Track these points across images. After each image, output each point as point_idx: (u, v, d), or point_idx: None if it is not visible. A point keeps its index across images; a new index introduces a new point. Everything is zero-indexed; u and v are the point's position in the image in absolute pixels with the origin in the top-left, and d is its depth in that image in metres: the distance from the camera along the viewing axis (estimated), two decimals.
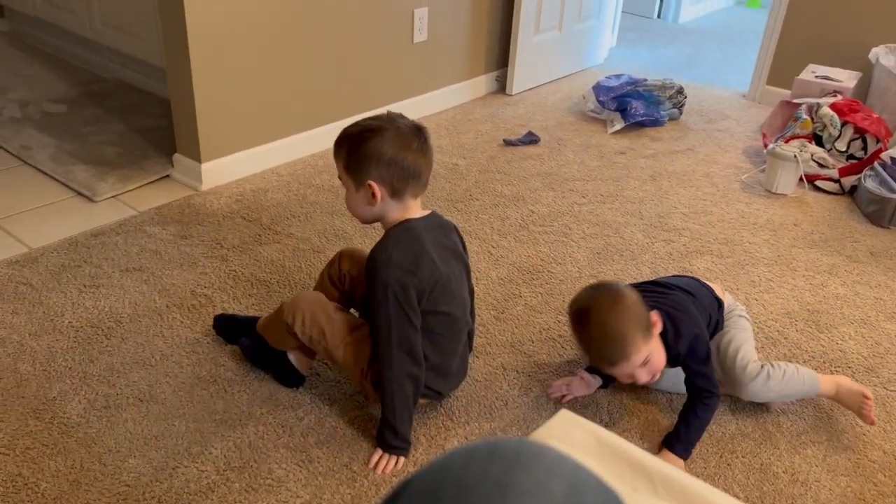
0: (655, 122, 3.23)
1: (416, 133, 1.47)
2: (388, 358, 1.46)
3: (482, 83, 3.50)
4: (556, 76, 3.76)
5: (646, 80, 3.33)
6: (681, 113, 3.35)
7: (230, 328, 1.78)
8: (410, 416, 1.52)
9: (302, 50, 2.60)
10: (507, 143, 3.02)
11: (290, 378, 1.67)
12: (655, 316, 1.51)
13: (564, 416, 0.71)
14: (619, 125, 3.18)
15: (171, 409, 1.60)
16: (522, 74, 3.52)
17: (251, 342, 1.70)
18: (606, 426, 1.62)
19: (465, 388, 1.71)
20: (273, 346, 1.66)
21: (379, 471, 1.49)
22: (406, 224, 1.49)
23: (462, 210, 2.49)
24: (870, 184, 2.58)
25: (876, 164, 2.63)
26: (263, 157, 2.62)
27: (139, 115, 2.92)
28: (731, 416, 1.66)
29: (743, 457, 1.56)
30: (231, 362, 1.73)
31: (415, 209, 1.52)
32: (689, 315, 1.57)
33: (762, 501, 1.46)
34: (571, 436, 0.67)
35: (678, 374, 1.62)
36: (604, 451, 0.65)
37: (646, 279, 2.15)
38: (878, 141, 2.77)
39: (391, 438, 1.50)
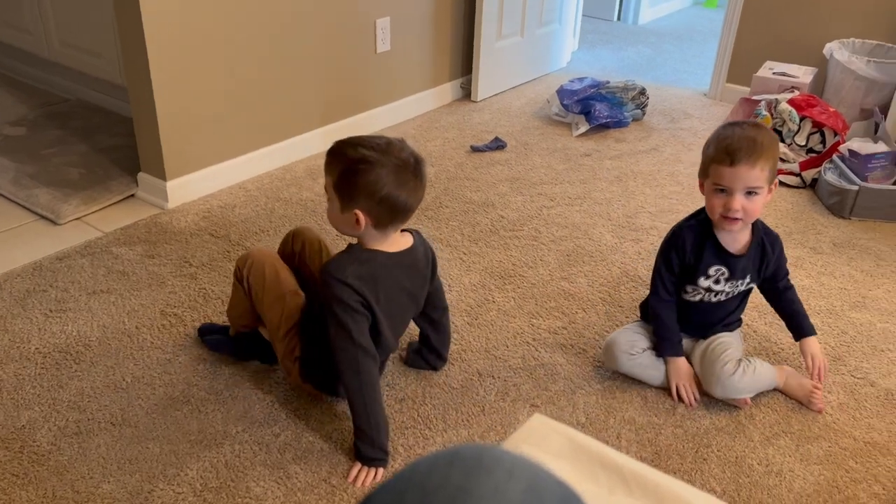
0: (619, 124, 3.27)
1: (415, 169, 1.43)
2: (354, 368, 1.46)
3: (447, 91, 3.51)
4: (521, 81, 3.79)
5: (608, 82, 3.37)
6: (644, 114, 3.39)
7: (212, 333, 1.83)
8: (385, 423, 1.52)
9: (265, 63, 2.59)
10: (475, 149, 3.04)
11: (269, 354, 1.69)
12: (776, 183, 1.62)
13: (538, 421, 0.71)
14: (583, 128, 3.21)
15: (145, 431, 1.58)
16: (487, 81, 3.54)
17: (225, 337, 1.76)
18: (583, 426, 1.63)
19: (441, 395, 1.71)
20: (238, 327, 1.72)
21: (358, 484, 1.48)
22: (369, 256, 1.48)
23: (432, 217, 2.49)
24: (830, 176, 2.64)
25: (835, 156, 2.69)
26: (230, 172, 2.60)
27: (102, 134, 2.88)
28: (705, 411, 1.69)
29: (718, 451, 1.58)
30: (204, 381, 1.72)
31: (392, 241, 1.51)
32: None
33: (738, 494, 1.48)
34: (545, 439, 0.68)
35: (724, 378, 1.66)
36: (578, 453, 0.65)
37: (616, 279, 2.18)
38: (835, 134, 2.83)
39: (368, 450, 1.49)
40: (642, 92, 3.38)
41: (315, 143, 2.91)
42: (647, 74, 3.97)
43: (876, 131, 2.75)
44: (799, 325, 1.75)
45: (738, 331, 1.78)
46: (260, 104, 2.63)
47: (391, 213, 1.45)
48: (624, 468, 0.62)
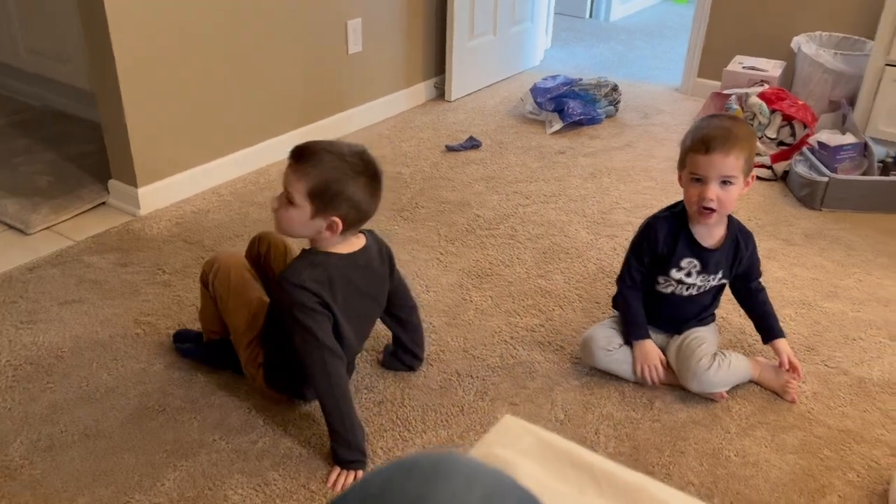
0: (593, 121, 3.28)
1: (377, 178, 1.48)
2: (322, 370, 1.46)
3: (421, 91, 3.51)
4: (494, 80, 3.79)
5: (581, 79, 3.39)
6: (617, 110, 3.41)
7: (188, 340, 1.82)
8: (359, 423, 1.51)
9: (236, 66, 2.57)
10: (450, 148, 3.04)
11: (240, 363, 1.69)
12: (754, 176, 1.63)
13: (508, 422, 0.71)
14: (557, 125, 3.22)
15: (120, 442, 1.56)
16: (460, 80, 3.54)
17: (198, 344, 1.76)
18: (562, 423, 1.64)
19: (419, 397, 1.71)
20: (209, 334, 1.72)
21: (338, 489, 1.47)
22: (324, 259, 1.49)
23: (408, 218, 2.49)
24: (800, 168, 2.67)
25: (804, 149, 2.72)
26: (202, 177, 2.58)
27: (71, 142, 2.84)
28: (682, 405, 1.70)
29: (695, 443, 1.59)
30: (179, 390, 1.70)
31: (348, 243, 1.53)
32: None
33: (716, 486, 1.49)
34: (516, 441, 0.67)
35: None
36: (548, 453, 0.65)
37: (593, 276, 2.19)
38: (805, 126, 2.87)
39: (345, 452, 1.49)
40: (615, 88, 3.40)
41: (289, 146, 2.88)
42: (620, 71, 4.00)
43: (844, 123, 2.79)
44: (769, 328, 1.75)
45: (712, 325, 1.80)
46: (232, 107, 2.61)
47: (359, 219, 1.49)
48: (595, 467, 0.62)
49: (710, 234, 1.67)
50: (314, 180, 1.43)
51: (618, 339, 1.75)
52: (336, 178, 1.43)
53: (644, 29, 4.95)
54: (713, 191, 1.55)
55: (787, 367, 1.71)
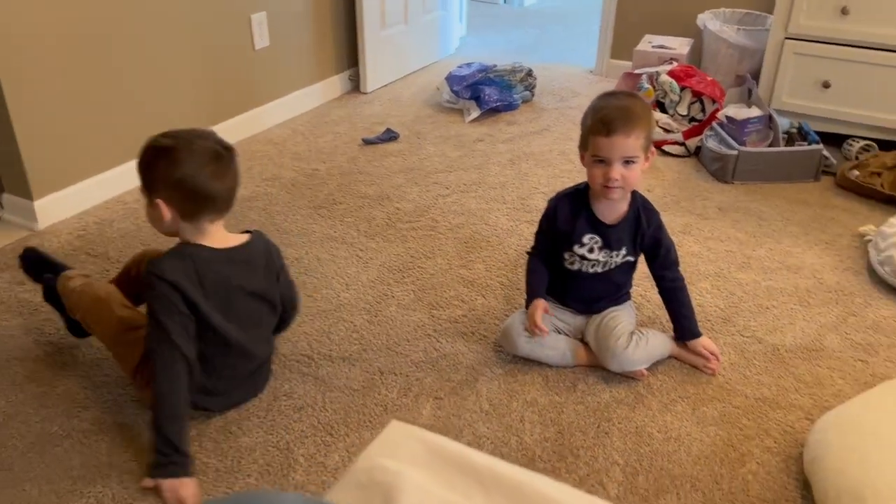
0: (510, 107, 3.28)
1: (216, 156, 1.42)
2: (168, 368, 1.41)
3: (335, 84, 3.44)
4: (410, 70, 3.75)
5: (495, 65, 3.38)
6: (533, 95, 3.42)
7: (38, 266, 1.78)
8: (187, 435, 1.44)
9: (134, 67, 2.45)
10: (367, 142, 2.98)
11: (79, 330, 1.71)
12: (654, 151, 1.64)
13: (394, 428, 0.68)
14: (475, 113, 3.20)
15: (21, 473, 1.46)
16: (375, 71, 3.49)
17: (54, 283, 1.70)
18: (487, 414, 1.62)
19: (341, 399, 1.66)
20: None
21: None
22: (191, 251, 1.45)
23: (326, 216, 2.43)
24: (711, 143, 2.72)
25: (714, 124, 2.78)
26: (105, 185, 2.45)
27: None
28: (605, 385, 1.71)
29: (619, 423, 1.60)
30: (85, 412, 1.61)
31: (215, 236, 1.48)
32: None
33: (640, 464, 1.50)
34: (401, 448, 0.64)
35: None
36: (434, 459, 0.63)
37: (514, 262, 2.18)
38: (713, 102, 2.93)
39: (174, 456, 1.39)
40: (529, 73, 3.40)
41: None
42: (536, 56, 4.01)
43: (750, 97, 2.86)
44: (687, 328, 1.75)
45: (628, 304, 1.81)
46: (131, 111, 2.49)
47: (194, 201, 1.43)
48: (482, 471, 0.60)
49: (612, 210, 1.68)
50: (138, 167, 1.44)
51: None
52: (150, 158, 1.42)
53: (557, 12, 4.98)
54: (617, 171, 1.57)
55: (704, 364, 1.74)
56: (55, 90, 2.23)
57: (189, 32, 2.63)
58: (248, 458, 1.50)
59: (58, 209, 2.32)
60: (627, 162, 1.57)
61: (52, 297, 1.73)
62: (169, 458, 1.39)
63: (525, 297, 1.80)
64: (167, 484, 1.39)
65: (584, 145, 1.62)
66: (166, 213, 1.42)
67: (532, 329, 1.69)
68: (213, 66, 2.76)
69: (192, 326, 1.43)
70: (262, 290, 1.55)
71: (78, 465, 1.49)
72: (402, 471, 0.60)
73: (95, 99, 2.35)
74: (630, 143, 1.54)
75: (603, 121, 1.55)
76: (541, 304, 1.71)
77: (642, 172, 1.63)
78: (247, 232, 1.56)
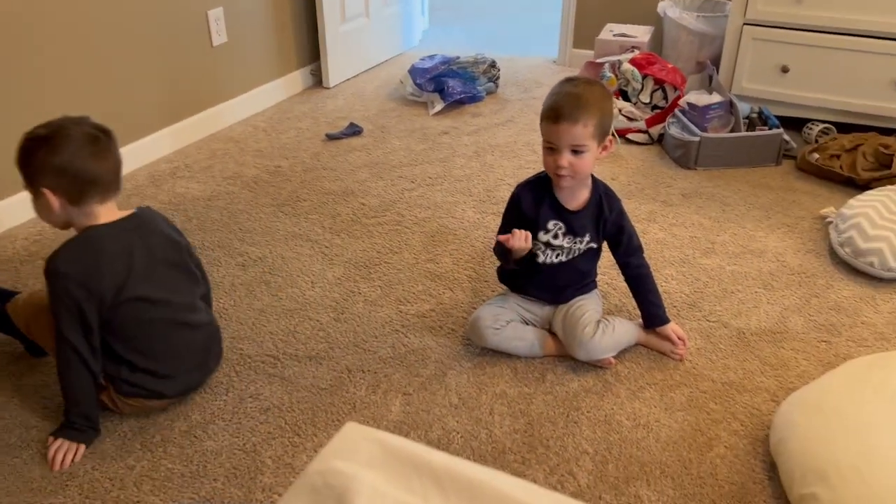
0: (474, 99, 3.27)
1: (93, 139, 1.44)
2: (64, 359, 1.46)
3: (297, 79, 3.40)
4: (373, 64, 3.72)
5: (458, 57, 3.36)
6: (497, 86, 3.41)
7: None
8: (92, 406, 1.51)
9: (88, 66, 2.39)
10: (330, 137, 2.95)
11: (37, 350, 1.71)
12: (611, 140, 1.61)
13: (351, 429, 0.67)
14: (439, 106, 3.19)
15: None
16: (337, 65, 3.45)
17: (3, 309, 1.67)
18: (456, 408, 1.61)
19: (309, 399, 1.64)
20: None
21: (57, 466, 1.45)
22: (86, 232, 1.47)
23: (289, 213, 2.40)
24: (673, 130, 2.74)
25: (676, 111, 2.80)
26: None
27: None
28: (573, 375, 1.71)
29: (588, 412, 1.60)
30: (44, 422, 1.56)
31: (105, 214, 1.49)
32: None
33: (610, 452, 1.50)
34: (357, 450, 0.63)
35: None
36: (390, 460, 0.61)
37: (481, 255, 2.17)
38: (675, 89, 2.95)
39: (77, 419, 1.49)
40: (493, 65, 3.39)
41: (157, 147, 2.74)
42: (498, 47, 4.00)
43: (710, 83, 2.88)
44: (655, 315, 1.75)
45: (594, 292, 1.81)
46: (90, 109, 2.42)
47: (78, 184, 1.43)
48: (438, 469, 0.59)
49: (574, 196, 1.67)
50: (18, 162, 1.44)
51: (505, 317, 1.73)
52: (24, 152, 1.43)
53: (519, 3, 4.97)
54: (565, 159, 1.55)
55: (672, 349, 1.75)
56: (12, 92, 2.16)
57: (143, 30, 2.57)
58: (215, 462, 1.48)
59: (11, 214, 2.26)
60: (576, 150, 1.55)
61: (6, 324, 1.68)
62: (73, 423, 1.49)
63: (501, 265, 1.79)
64: (62, 443, 1.47)
65: (541, 131, 1.62)
66: (54, 201, 1.42)
67: (511, 240, 1.60)
68: (170, 64, 2.71)
69: (92, 316, 1.44)
70: (174, 257, 1.57)
71: (38, 476, 1.45)
72: (356, 473, 0.58)
73: (47, 101, 2.29)
74: (577, 131, 1.52)
75: (552, 107, 1.54)
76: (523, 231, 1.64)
77: (603, 160, 1.62)
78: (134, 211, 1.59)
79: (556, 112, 1.53)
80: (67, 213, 1.45)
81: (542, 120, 1.58)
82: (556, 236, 1.69)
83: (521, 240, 1.60)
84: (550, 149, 1.58)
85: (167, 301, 1.54)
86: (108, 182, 1.47)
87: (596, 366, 1.72)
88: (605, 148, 1.60)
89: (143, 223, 1.54)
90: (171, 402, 1.60)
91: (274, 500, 1.41)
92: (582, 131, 1.53)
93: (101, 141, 1.45)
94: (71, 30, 2.32)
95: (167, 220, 1.62)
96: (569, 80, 1.59)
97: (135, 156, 2.64)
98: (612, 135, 1.63)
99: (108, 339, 1.49)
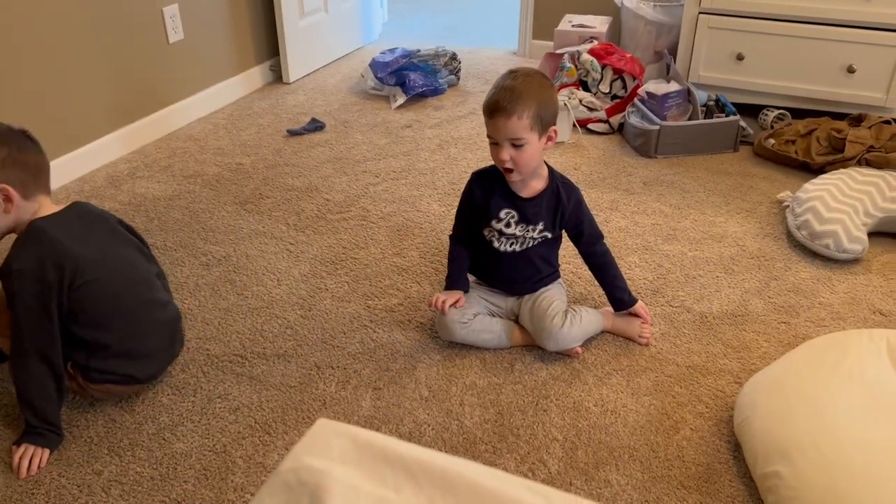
0: (436, 91, 3.27)
1: (23, 133, 1.46)
2: (23, 365, 1.44)
3: (256, 75, 3.36)
4: (333, 58, 3.70)
5: (419, 50, 3.36)
6: (458, 79, 3.41)
7: None
8: (55, 410, 1.49)
9: (37, 64, 2.33)
10: (292, 133, 2.93)
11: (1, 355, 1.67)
12: (556, 130, 1.60)
13: (322, 426, 0.67)
14: (401, 99, 3.18)
15: None
16: (297, 61, 3.42)
17: None
18: (426, 400, 1.62)
19: (278, 397, 1.63)
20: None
21: (23, 473, 1.43)
22: (31, 226, 1.46)
23: (253, 211, 2.38)
24: (633, 119, 2.77)
25: (635, 100, 2.83)
26: None
27: None
28: (541, 364, 1.72)
29: (557, 399, 1.62)
30: (7, 429, 1.53)
31: (46, 207, 1.50)
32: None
33: (579, 438, 1.52)
34: (328, 446, 0.63)
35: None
36: (362, 455, 0.62)
37: (447, 248, 2.17)
38: (634, 78, 2.98)
39: (35, 420, 1.47)
40: (453, 57, 3.40)
41: (115, 147, 2.69)
42: (459, 39, 4.00)
43: (668, 72, 2.92)
44: (623, 299, 1.78)
45: (558, 283, 1.83)
46: (42, 112, 2.37)
47: (30, 173, 1.44)
48: (410, 462, 0.59)
49: (526, 185, 1.68)
50: None
51: (472, 310, 1.74)
52: None
53: None
54: (506, 152, 1.56)
55: (646, 317, 1.79)
56: None
57: (97, 28, 2.51)
58: (185, 464, 1.47)
59: None
60: (515, 144, 1.55)
61: None
62: (35, 428, 1.46)
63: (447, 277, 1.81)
64: (26, 449, 1.45)
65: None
66: (12, 195, 1.41)
67: (435, 304, 1.70)
68: (125, 62, 2.66)
69: (53, 308, 1.42)
70: (119, 235, 1.59)
71: (1, 485, 1.42)
72: (328, 469, 0.58)
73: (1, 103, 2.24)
74: (512, 124, 1.52)
75: (488, 101, 1.56)
76: (456, 295, 1.73)
77: (565, 150, 1.64)
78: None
79: (492, 106, 1.54)
80: (17, 211, 1.44)
81: (484, 114, 1.59)
82: (508, 224, 1.70)
83: (439, 303, 1.69)
84: (494, 143, 1.59)
85: (129, 277, 1.55)
86: (47, 172, 1.49)
87: (564, 355, 1.74)
88: (549, 139, 1.60)
89: (83, 211, 1.55)
90: (140, 387, 1.60)
91: (246, 500, 1.40)
92: (517, 124, 1.52)
93: (28, 134, 1.47)
94: (19, 27, 2.26)
95: (96, 208, 1.63)
96: (509, 73, 1.58)
97: (92, 156, 2.59)
98: (575, 125, 1.64)
99: (75, 328, 1.47)
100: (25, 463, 1.44)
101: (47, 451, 1.47)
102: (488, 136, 1.60)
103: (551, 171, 1.71)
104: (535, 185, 1.69)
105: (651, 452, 1.49)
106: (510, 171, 1.60)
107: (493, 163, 1.65)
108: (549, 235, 1.73)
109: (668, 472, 1.45)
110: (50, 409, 1.47)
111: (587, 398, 1.63)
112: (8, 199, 1.42)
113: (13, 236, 1.48)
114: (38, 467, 1.45)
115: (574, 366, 1.72)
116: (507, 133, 1.54)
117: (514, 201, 1.68)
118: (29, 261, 1.41)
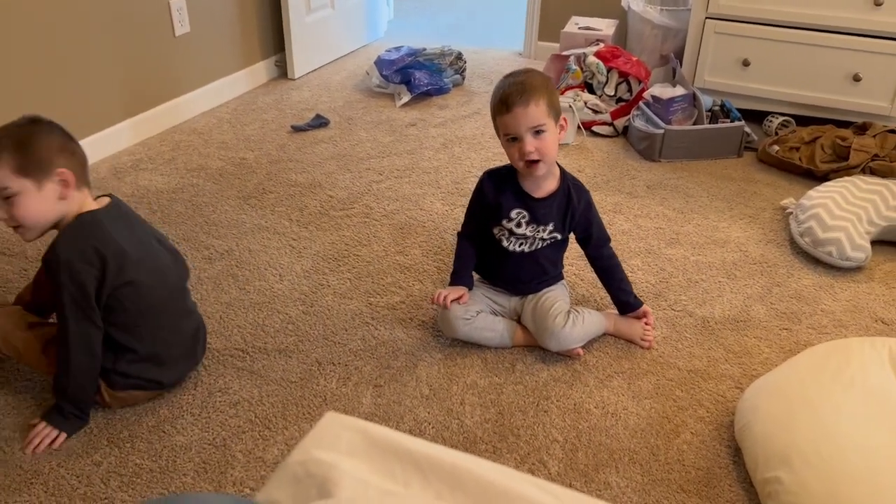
0: (441, 90, 3.27)
1: (61, 126, 1.46)
2: (65, 354, 1.44)
3: (262, 70, 3.35)
4: (338, 55, 3.69)
5: (425, 49, 3.36)
6: (463, 78, 3.41)
7: None
8: (91, 395, 1.51)
9: (45, 56, 2.33)
10: (296, 129, 2.92)
11: None
12: (566, 119, 1.64)
13: (330, 419, 0.67)
14: (406, 97, 3.18)
15: None
16: (302, 57, 3.42)
17: None
18: (427, 399, 1.62)
19: (278, 392, 1.63)
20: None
21: (30, 450, 1.44)
22: (80, 218, 1.45)
23: (256, 206, 2.37)
24: (638, 123, 2.77)
25: (641, 103, 2.83)
26: None
27: None
28: (543, 365, 1.72)
29: (557, 401, 1.62)
30: (7, 418, 1.53)
31: (91, 201, 1.49)
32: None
33: (579, 440, 1.52)
34: (337, 440, 0.63)
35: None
36: (372, 449, 0.62)
37: (450, 246, 2.17)
38: (640, 82, 2.98)
39: (69, 408, 1.47)
40: (459, 56, 3.40)
41: (119, 139, 2.68)
42: (464, 39, 4.00)
43: (674, 76, 2.92)
44: (628, 302, 1.79)
45: (561, 284, 1.83)
46: (48, 103, 2.37)
47: (81, 164, 1.44)
48: (418, 456, 0.59)
49: (539, 186, 1.69)
50: (11, 155, 1.37)
51: (475, 307, 1.74)
52: (25, 140, 1.39)
53: None
54: (530, 143, 1.57)
55: (650, 319, 1.79)
56: None
57: (104, 21, 2.51)
58: (184, 457, 1.46)
59: None
60: (537, 132, 1.57)
61: None
62: (62, 409, 1.46)
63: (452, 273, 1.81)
64: (44, 428, 1.46)
65: (496, 129, 1.64)
66: (73, 181, 1.41)
67: (437, 298, 1.70)
68: (131, 54, 2.66)
69: (95, 299, 1.42)
70: (156, 238, 1.59)
71: (0, 475, 1.42)
72: (337, 462, 0.58)
73: (4, 94, 2.23)
74: (531, 111, 1.55)
75: (501, 99, 1.57)
76: (459, 291, 1.73)
77: (569, 153, 1.64)
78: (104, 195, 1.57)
79: (506, 101, 1.55)
80: (68, 200, 1.43)
81: (495, 116, 1.60)
82: (518, 224, 1.70)
83: (441, 298, 1.69)
84: (512, 139, 1.59)
85: (164, 282, 1.55)
86: (88, 167, 1.48)
87: (565, 356, 1.74)
88: (561, 128, 1.63)
89: (123, 211, 1.54)
90: (162, 392, 1.60)
91: (245, 494, 1.40)
92: (536, 110, 1.55)
93: (53, 125, 1.45)
94: (29, 21, 2.26)
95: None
96: (508, 75, 1.62)
97: (96, 148, 2.59)
98: (579, 128, 1.65)
99: (109, 329, 1.47)
100: (37, 441, 1.44)
101: (63, 436, 1.47)
102: (504, 134, 1.60)
103: (563, 171, 1.72)
104: (547, 185, 1.69)
105: (651, 455, 1.49)
106: (535, 162, 1.59)
107: (502, 164, 1.66)
108: (559, 237, 1.74)
109: (667, 475, 1.45)
110: (84, 395, 1.48)
111: (588, 400, 1.63)
112: (67, 184, 1.41)
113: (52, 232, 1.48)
114: (49, 447, 1.45)
115: (575, 367, 1.72)
116: (529, 122, 1.55)
117: (526, 201, 1.69)
118: (76, 251, 1.40)
